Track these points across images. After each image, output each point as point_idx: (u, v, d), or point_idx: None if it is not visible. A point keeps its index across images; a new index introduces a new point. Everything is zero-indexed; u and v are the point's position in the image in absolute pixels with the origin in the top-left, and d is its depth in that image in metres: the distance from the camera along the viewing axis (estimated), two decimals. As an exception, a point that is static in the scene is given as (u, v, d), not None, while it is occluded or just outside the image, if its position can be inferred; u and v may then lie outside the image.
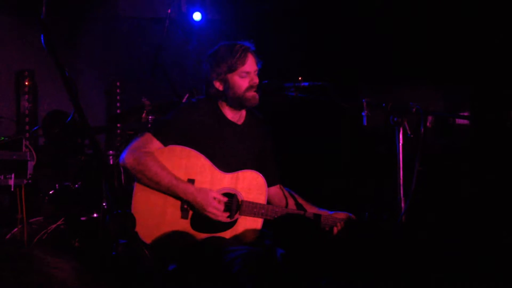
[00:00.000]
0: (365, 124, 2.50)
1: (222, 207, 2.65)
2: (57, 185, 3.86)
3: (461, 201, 3.97)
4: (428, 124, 4.07)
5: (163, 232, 2.59)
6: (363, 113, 2.50)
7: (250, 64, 2.80)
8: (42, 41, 1.80)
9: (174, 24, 5.12)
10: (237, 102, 2.82)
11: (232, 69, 2.76)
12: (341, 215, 2.91)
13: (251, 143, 2.90)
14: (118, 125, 4.72)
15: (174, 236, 2.60)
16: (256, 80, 2.80)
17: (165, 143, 2.66)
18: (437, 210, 3.95)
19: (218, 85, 2.81)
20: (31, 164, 3.16)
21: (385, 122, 2.52)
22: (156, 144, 2.65)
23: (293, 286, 2.49)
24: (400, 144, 2.42)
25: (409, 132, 2.41)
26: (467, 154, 4.14)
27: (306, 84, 2.77)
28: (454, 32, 4.08)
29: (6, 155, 3.15)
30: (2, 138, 3.22)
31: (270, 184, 2.88)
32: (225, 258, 2.45)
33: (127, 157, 2.61)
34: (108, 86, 5.19)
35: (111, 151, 4.04)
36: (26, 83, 4.65)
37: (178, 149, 2.67)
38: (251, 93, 2.79)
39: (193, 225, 2.64)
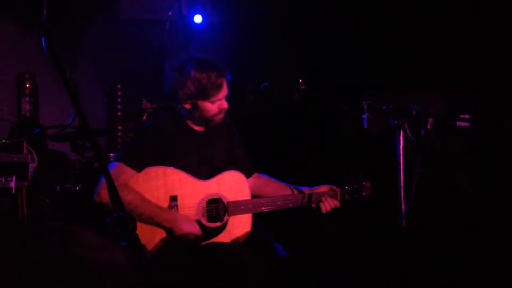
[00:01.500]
0: (366, 126, 2.51)
1: (201, 240, 2.63)
2: (58, 187, 3.87)
3: (462, 204, 3.97)
4: (428, 126, 4.07)
5: (156, 248, 2.58)
6: (364, 116, 2.51)
7: (224, 91, 2.71)
8: (43, 43, 1.81)
9: (174, 26, 5.13)
10: (202, 122, 2.78)
11: (205, 97, 2.66)
12: (323, 188, 2.93)
13: (218, 144, 2.88)
14: (119, 127, 4.73)
15: (170, 250, 2.59)
16: (225, 105, 2.74)
17: (139, 169, 2.59)
18: (437, 212, 3.95)
19: (186, 105, 2.71)
20: (32, 167, 3.17)
21: (385, 125, 2.53)
22: (129, 172, 2.57)
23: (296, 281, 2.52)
24: (401, 146, 2.42)
25: (409, 135, 2.42)
26: (467, 156, 4.14)
27: (307, 86, 2.77)
28: (454, 34, 4.08)
29: (7, 157, 3.15)
30: (3, 140, 3.22)
31: (247, 176, 2.88)
32: (227, 260, 2.46)
33: (103, 193, 2.50)
34: (109, 88, 5.20)
35: (111, 153, 4.05)
36: (27, 85, 4.65)
37: (152, 171, 2.62)
38: (219, 117, 2.75)
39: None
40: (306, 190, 2.94)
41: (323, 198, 2.87)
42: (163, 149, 2.67)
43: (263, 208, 2.78)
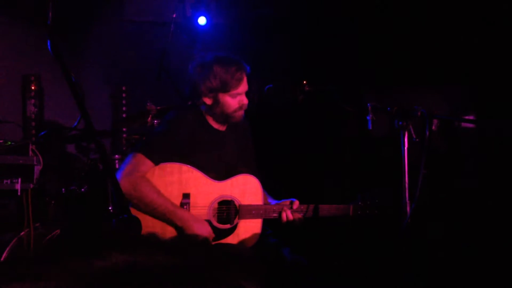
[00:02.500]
0: (370, 128, 2.50)
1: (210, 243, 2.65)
2: (63, 189, 3.88)
3: (467, 204, 3.96)
4: (433, 127, 4.07)
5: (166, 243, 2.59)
6: (368, 117, 2.50)
7: (244, 86, 2.76)
8: (49, 46, 1.82)
9: (179, 28, 5.13)
10: (223, 118, 2.82)
11: (225, 90, 2.72)
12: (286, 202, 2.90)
13: (236, 145, 2.91)
14: (124, 129, 4.74)
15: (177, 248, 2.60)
16: (246, 101, 2.79)
17: (156, 162, 2.62)
18: (442, 213, 3.94)
19: (207, 100, 2.77)
20: (37, 169, 3.17)
21: (389, 126, 2.52)
22: (148, 164, 2.60)
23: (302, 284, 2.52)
24: (406, 148, 2.42)
25: (414, 136, 2.41)
26: (472, 157, 4.13)
27: (311, 88, 2.77)
28: (458, 34, 4.07)
29: (12, 159, 3.16)
30: (9, 142, 3.23)
31: None
32: (234, 261, 2.46)
33: (123, 182, 2.53)
34: (114, 90, 5.21)
35: (116, 155, 4.06)
36: (32, 87, 4.67)
37: (168, 166, 2.65)
38: (239, 113, 2.80)
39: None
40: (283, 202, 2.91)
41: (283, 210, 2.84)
42: (182, 145, 2.70)
43: (274, 215, 2.78)
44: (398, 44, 4.31)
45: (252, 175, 2.80)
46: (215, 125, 2.85)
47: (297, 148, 4.74)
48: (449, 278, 3.57)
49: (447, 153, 4.19)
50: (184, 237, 2.60)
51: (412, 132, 2.42)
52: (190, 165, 2.68)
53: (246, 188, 2.76)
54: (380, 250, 3.70)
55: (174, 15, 4.73)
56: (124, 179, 2.55)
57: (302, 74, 2.87)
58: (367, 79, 4.44)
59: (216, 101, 2.75)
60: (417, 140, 2.39)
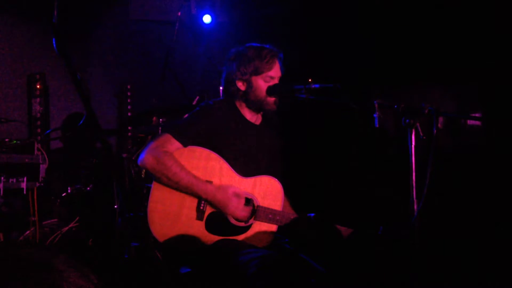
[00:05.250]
0: (377, 125, 2.49)
1: (242, 202, 2.66)
2: (69, 188, 3.89)
3: (473, 202, 3.94)
4: (439, 125, 4.05)
5: (177, 233, 2.59)
6: (375, 115, 2.49)
7: (276, 70, 2.81)
8: (54, 45, 1.81)
9: (184, 27, 5.13)
10: (257, 105, 2.83)
11: (258, 72, 2.77)
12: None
13: (268, 143, 2.92)
14: (129, 127, 4.75)
15: (188, 237, 2.60)
16: None
17: (185, 144, 2.66)
18: (449, 211, 3.93)
19: (241, 85, 2.82)
20: (43, 167, 3.18)
21: (396, 124, 2.51)
22: (175, 144, 2.64)
23: None
24: (413, 145, 2.40)
25: (421, 134, 2.39)
26: (479, 154, 4.11)
27: (317, 86, 2.76)
28: (465, 32, 4.05)
29: (18, 158, 3.17)
30: (14, 141, 3.24)
31: None
32: (240, 260, 2.44)
33: (147, 157, 2.59)
34: (119, 89, 5.21)
35: (122, 154, 4.06)
36: (38, 86, 4.67)
37: (198, 151, 2.67)
38: (272, 98, 2.81)
39: (208, 227, 2.64)
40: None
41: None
42: (212, 132, 2.72)
43: (288, 223, 2.76)
44: (404, 41, 4.29)
45: (276, 179, 2.79)
46: (248, 116, 2.87)
47: (302, 147, 4.73)
48: (452, 278, 3.56)
49: (453, 151, 4.18)
50: (201, 214, 2.62)
51: (419, 130, 2.40)
52: (219, 154, 2.69)
53: (268, 191, 2.75)
54: (386, 247, 3.69)
55: (179, 14, 4.73)
56: (148, 153, 2.59)
57: (307, 73, 2.85)
58: (374, 77, 4.43)
59: (250, 85, 2.79)
60: (424, 138, 2.37)
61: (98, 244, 3.52)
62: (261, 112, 2.92)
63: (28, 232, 3.41)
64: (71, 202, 3.84)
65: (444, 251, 3.69)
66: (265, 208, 2.72)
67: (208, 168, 2.66)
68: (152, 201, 2.61)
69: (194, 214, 2.63)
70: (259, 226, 2.72)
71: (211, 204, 2.63)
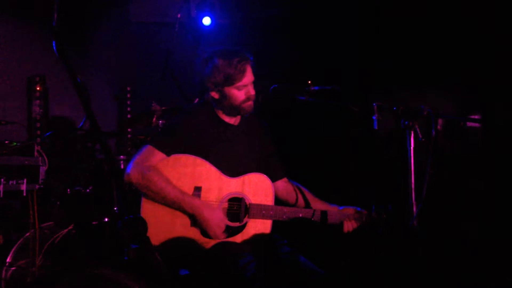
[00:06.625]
0: (376, 128, 2.49)
1: (223, 228, 2.65)
2: (68, 190, 3.89)
3: (472, 204, 3.94)
4: (438, 127, 4.05)
5: (174, 242, 2.59)
6: (374, 117, 2.49)
7: (248, 77, 2.76)
8: (54, 47, 1.81)
9: (183, 28, 5.14)
10: (233, 111, 2.83)
11: (230, 83, 2.73)
12: (349, 210, 2.92)
13: (251, 142, 2.91)
14: (129, 129, 4.75)
15: (185, 244, 2.60)
16: (253, 92, 2.79)
17: (168, 153, 2.65)
18: (448, 214, 3.93)
19: (214, 94, 2.79)
20: (43, 169, 3.18)
21: (395, 126, 2.51)
22: (159, 155, 2.63)
23: None
24: (412, 147, 2.41)
25: (420, 136, 2.40)
26: (478, 156, 4.11)
27: (316, 88, 2.77)
28: (464, 33, 4.06)
29: (18, 160, 3.17)
30: (14, 143, 3.24)
31: (276, 178, 2.89)
32: (239, 262, 2.45)
33: (132, 172, 2.57)
34: (118, 91, 5.22)
35: (122, 156, 4.06)
36: (38, 88, 4.68)
37: (183, 158, 2.66)
38: (247, 104, 2.79)
39: (204, 232, 2.64)
40: (333, 208, 2.93)
41: (347, 219, 2.86)
42: (194, 138, 2.72)
43: (284, 217, 2.76)
44: (402, 43, 4.30)
45: (264, 175, 2.79)
46: (226, 119, 2.86)
47: (302, 149, 4.74)
48: (451, 279, 3.56)
49: (452, 153, 4.18)
50: (195, 226, 2.61)
51: (418, 131, 2.40)
52: (203, 158, 2.68)
53: (258, 187, 2.76)
54: (384, 248, 3.69)
55: (178, 16, 4.73)
56: (132, 169, 2.58)
57: (307, 75, 2.86)
58: (373, 79, 4.43)
59: (223, 95, 2.76)
60: (423, 140, 2.38)
61: (99, 246, 3.52)
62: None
63: (27, 234, 3.41)
64: (70, 204, 3.84)
65: (443, 253, 3.69)
66: (257, 204, 2.72)
67: (196, 173, 2.65)
68: (143, 214, 2.60)
69: (188, 221, 2.63)
70: (254, 224, 2.72)
71: (195, 219, 2.62)
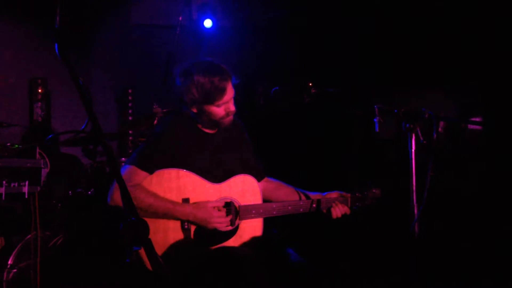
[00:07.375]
0: (377, 130, 2.50)
1: (223, 213, 2.66)
2: (70, 192, 3.89)
3: (473, 206, 3.95)
4: (439, 129, 4.05)
5: (169, 257, 2.56)
6: (375, 120, 2.49)
7: (229, 94, 2.69)
8: (56, 50, 1.82)
9: (185, 31, 5.14)
10: (211, 125, 2.79)
11: (210, 101, 2.66)
12: (333, 194, 2.94)
13: (230, 145, 2.90)
14: (130, 131, 4.76)
15: (180, 257, 2.58)
16: (233, 108, 2.73)
17: (151, 171, 2.61)
18: (449, 216, 3.93)
19: (194, 109, 2.73)
20: (44, 172, 3.18)
21: (397, 128, 2.52)
22: (142, 174, 2.60)
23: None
24: (413, 150, 2.41)
25: (421, 138, 2.40)
26: (479, 158, 4.11)
27: (317, 90, 2.77)
28: (466, 35, 4.06)
29: (20, 162, 3.17)
30: (16, 145, 3.24)
31: (258, 180, 2.88)
32: (237, 264, 2.46)
33: (116, 196, 2.52)
34: (120, 93, 5.23)
35: (123, 158, 4.07)
36: (39, 90, 4.69)
37: (165, 173, 2.63)
38: (227, 119, 2.76)
39: (197, 242, 2.63)
40: (316, 195, 2.95)
41: (333, 204, 2.88)
42: (174, 151, 2.68)
43: (274, 213, 2.79)
44: (404, 45, 4.30)
45: (249, 175, 2.79)
46: (205, 130, 2.84)
47: (302, 150, 4.74)
48: (451, 279, 3.56)
49: (454, 155, 4.18)
50: (188, 232, 2.61)
51: (420, 134, 2.41)
52: (186, 169, 2.66)
53: (245, 189, 2.76)
54: (385, 251, 3.69)
55: (180, 18, 4.74)
56: (116, 191, 2.52)
57: (308, 77, 2.86)
58: (374, 81, 4.43)
59: (202, 111, 2.71)
60: (424, 142, 2.38)
61: (100, 248, 3.52)
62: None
63: (29, 236, 3.41)
64: (72, 206, 3.84)
65: (444, 255, 3.70)
66: (246, 206, 2.73)
67: (181, 186, 2.64)
68: None
69: (181, 235, 2.62)
70: (246, 225, 2.73)
71: (193, 223, 2.62)
